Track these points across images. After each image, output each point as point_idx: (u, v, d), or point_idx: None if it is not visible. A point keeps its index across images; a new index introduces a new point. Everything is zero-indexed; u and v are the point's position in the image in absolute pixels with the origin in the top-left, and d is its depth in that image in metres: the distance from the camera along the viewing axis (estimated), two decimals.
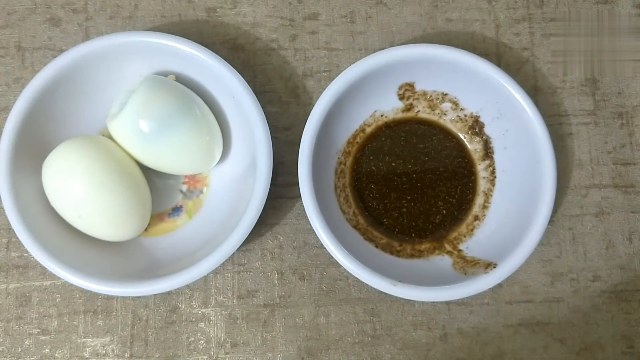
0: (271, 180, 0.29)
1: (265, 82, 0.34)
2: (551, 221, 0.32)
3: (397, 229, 0.32)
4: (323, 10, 0.34)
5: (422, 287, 0.28)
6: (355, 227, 0.31)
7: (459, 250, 0.31)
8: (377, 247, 0.31)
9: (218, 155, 0.31)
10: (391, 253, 0.31)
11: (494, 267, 0.28)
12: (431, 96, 0.32)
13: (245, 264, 0.32)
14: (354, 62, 0.29)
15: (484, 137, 0.32)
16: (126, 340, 0.31)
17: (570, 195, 0.33)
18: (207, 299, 0.32)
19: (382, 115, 0.32)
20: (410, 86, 0.31)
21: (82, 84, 0.30)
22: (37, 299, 0.32)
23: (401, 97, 0.32)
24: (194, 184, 0.33)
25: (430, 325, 0.32)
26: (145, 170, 0.31)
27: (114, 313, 0.32)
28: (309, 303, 0.32)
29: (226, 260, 0.28)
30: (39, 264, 0.28)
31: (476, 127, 0.32)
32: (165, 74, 0.31)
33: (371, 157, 0.32)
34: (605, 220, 0.33)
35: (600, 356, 0.32)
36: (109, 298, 0.32)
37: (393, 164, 0.32)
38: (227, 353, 0.31)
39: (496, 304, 0.32)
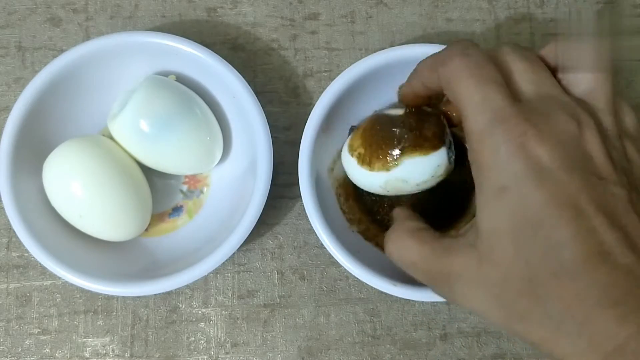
0: (271, 180, 0.29)
1: (266, 82, 0.34)
2: None
3: None
4: (323, 10, 0.34)
5: (422, 287, 0.28)
6: (355, 226, 0.31)
7: None
8: (377, 246, 0.31)
9: (218, 155, 0.31)
10: None
11: None
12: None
13: (245, 264, 0.32)
14: (354, 62, 0.29)
15: None
16: (126, 340, 0.31)
17: None
18: (207, 299, 0.32)
19: None
20: None
21: (82, 84, 0.30)
22: (38, 298, 0.32)
23: None
24: (195, 184, 0.33)
25: (430, 325, 0.32)
26: (146, 170, 0.31)
27: (114, 313, 0.32)
28: (309, 303, 0.32)
29: (226, 260, 0.28)
30: (39, 263, 0.28)
31: None
32: (165, 74, 0.31)
33: None
34: None
35: None
36: (109, 298, 0.32)
37: None
38: (227, 353, 0.31)
39: None
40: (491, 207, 0.21)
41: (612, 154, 0.21)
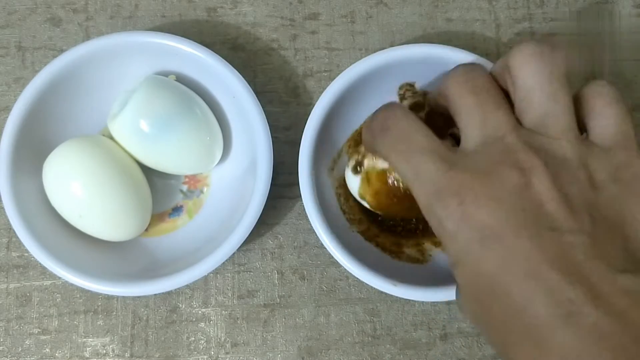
0: (271, 180, 0.29)
1: (266, 82, 0.34)
2: None
3: (398, 228, 0.32)
4: (323, 10, 0.34)
5: (422, 287, 0.28)
6: (355, 226, 0.31)
7: None
8: (377, 246, 0.31)
9: (218, 155, 0.31)
10: (391, 252, 0.31)
11: None
12: None
13: (245, 264, 0.32)
14: (354, 62, 0.29)
15: None
16: (126, 340, 0.31)
17: None
18: (207, 299, 0.32)
19: None
20: (410, 86, 0.31)
21: (82, 84, 0.30)
22: (38, 298, 0.32)
23: (402, 97, 0.32)
24: (195, 184, 0.33)
25: (430, 325, 0.32)
26: (146, 170, 0.31)
27: (114, 313, 0.32)
28: (309, 303, 0.32)
29: (226, 260, 0.28)
30: (39, 263, 0.28)
31: None
32: (165, 74, 0.31)
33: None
34: None
35: None
36: (109, 298, 0.32)
37: None
38: (227, 353, 0.31)
39: None
40: (456, 279, 0.21)
41: (569, 191, 0.20)
